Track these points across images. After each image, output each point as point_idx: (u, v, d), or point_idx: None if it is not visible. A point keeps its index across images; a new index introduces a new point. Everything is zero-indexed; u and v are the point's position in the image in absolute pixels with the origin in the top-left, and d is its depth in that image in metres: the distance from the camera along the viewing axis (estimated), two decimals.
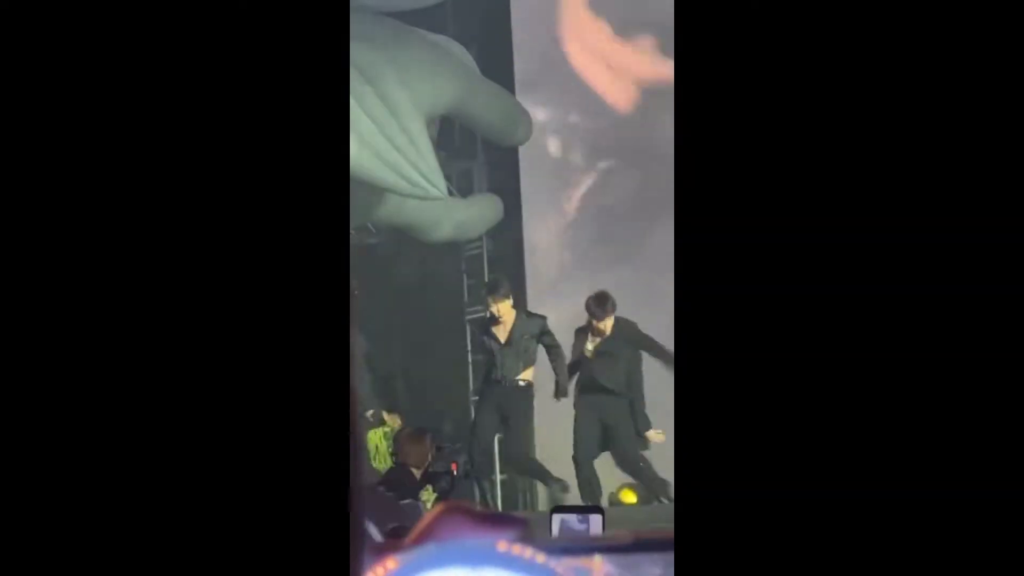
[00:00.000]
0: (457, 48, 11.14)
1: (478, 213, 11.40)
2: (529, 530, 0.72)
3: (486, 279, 11.49)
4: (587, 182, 12.37)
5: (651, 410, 9.59)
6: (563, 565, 0.67)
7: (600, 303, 9.37)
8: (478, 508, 0.71)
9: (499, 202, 11.58)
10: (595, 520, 2.87)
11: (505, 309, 9.29)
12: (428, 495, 8.13)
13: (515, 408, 9.23)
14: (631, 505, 9.67)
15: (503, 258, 11.99)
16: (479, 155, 12.07)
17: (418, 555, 0.66)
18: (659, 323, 9.22)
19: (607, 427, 9.42)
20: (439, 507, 0.70)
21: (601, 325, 9.34)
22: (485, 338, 9.40)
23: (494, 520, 0.72)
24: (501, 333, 9.32)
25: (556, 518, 2.85)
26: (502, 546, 0.66)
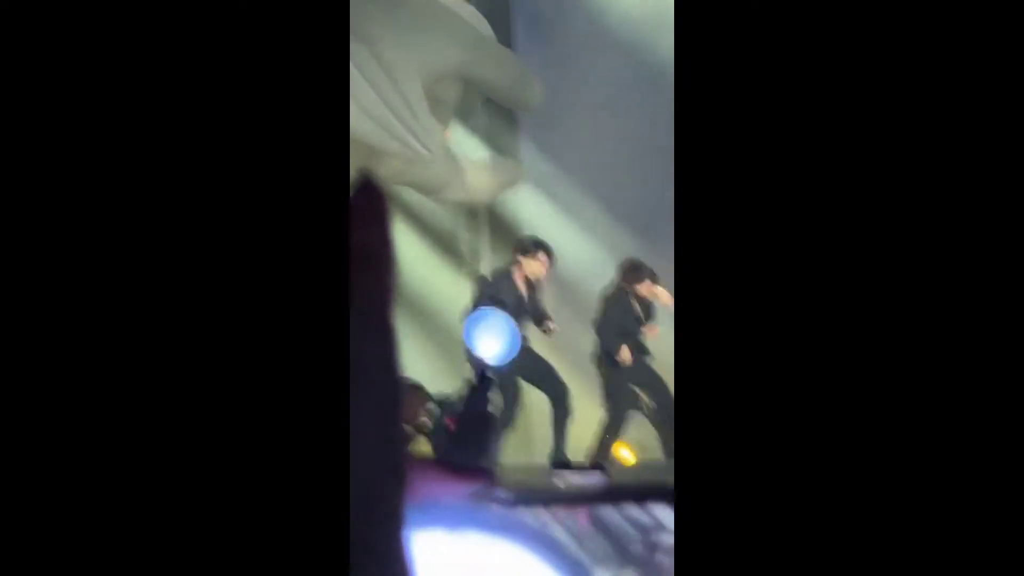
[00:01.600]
0: (467, 9, 11.07)
1: (491, 175, 11.34)
2: (496, 480, 0.78)
3: (489, 239, 11.48)
4: (589, 146, 12.32)
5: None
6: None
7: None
8: (445, 460, 0.77)
9: (516, 165, 11.50)
10: (595, 477, 2.91)
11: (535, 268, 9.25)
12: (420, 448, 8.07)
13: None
14: (629, 465, 9.64)
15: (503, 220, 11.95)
16: (515, 120, 11.91)
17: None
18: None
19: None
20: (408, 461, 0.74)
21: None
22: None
23: (462, 471, 0.78)
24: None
25: (558, 473, 2.89)
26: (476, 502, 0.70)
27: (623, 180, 11.92)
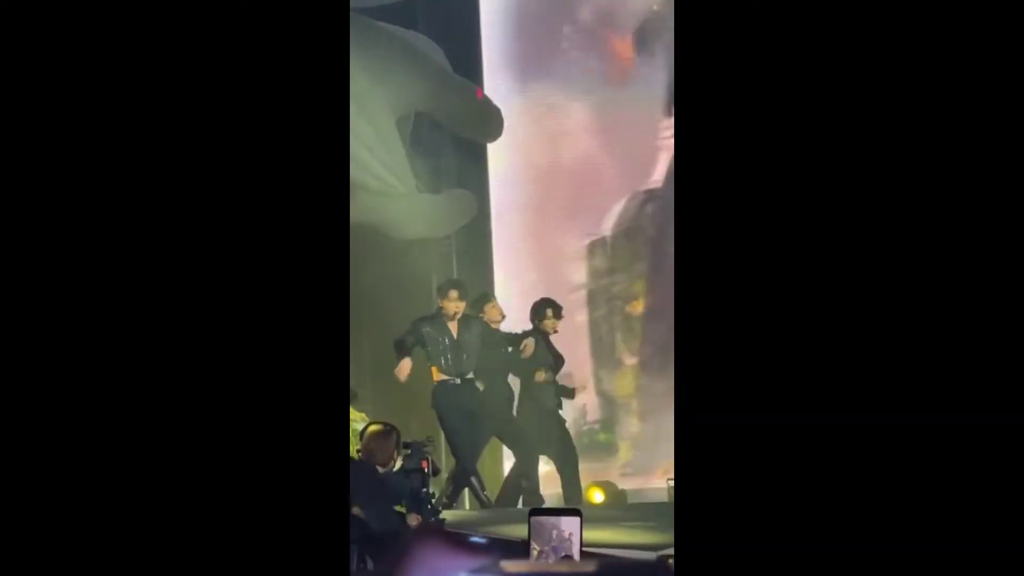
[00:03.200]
0: (428, 44, 11.10)
1: (450, 209, 11.38)
2: (500, 555, 0.71)
3: (455, 276, 11.51)
4: (558, 178, 12.37)
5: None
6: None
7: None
8: (452, 532, 0.70)
9: (472, 198, 11.58)
10: (571, 522, 2.86)
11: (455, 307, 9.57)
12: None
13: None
14: (597, 505, 9.71)
15: (471, 254, 11.99)
16: (447, 152, 12.06)
17: None
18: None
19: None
20: (416, 531, 0.69)
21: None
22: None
23: (469, 546, 0.71)
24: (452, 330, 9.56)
25: (534, 520, 2.84)
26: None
27: (590, 205, 11.99)
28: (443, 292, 9.96)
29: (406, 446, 7.50)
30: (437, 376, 9.89)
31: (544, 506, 9.15)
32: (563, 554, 2.75)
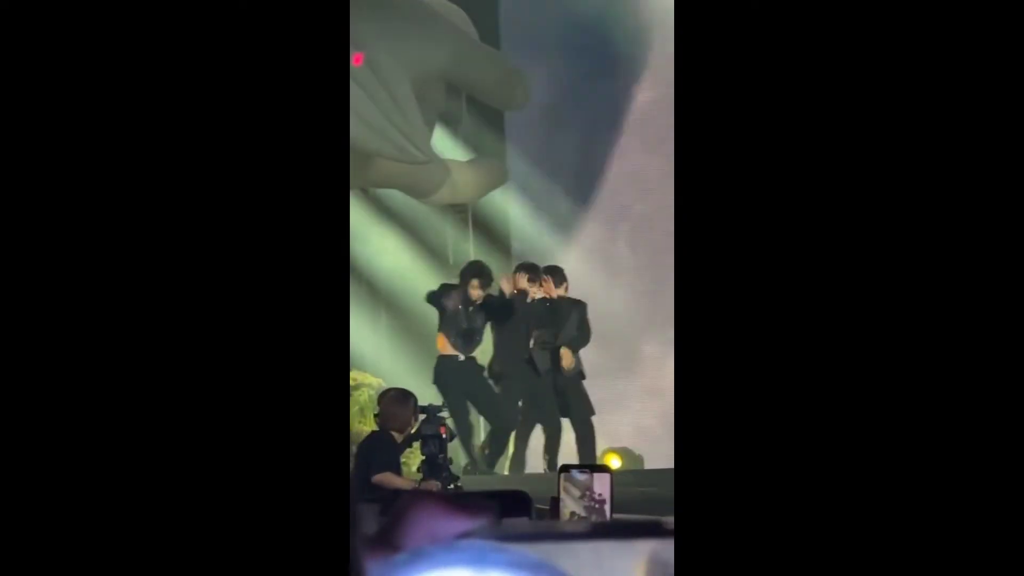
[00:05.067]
0: (453, 11, 11.05)
1: (472, 176, 11.37)
2: (498, 516, 0.76)
3: (471, 243, 11.55)
4: (577, 149, 12.34)
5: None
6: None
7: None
8: (447, 494, 0.75)
9: (498, 166, 11.57)
10: (601, 478, 2.88)
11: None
12: (411, 458, 8.13)
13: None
14: (615, 471, 9.70)
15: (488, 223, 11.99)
16: (467, 119, 12.04)
17: (423, 553, 0.67)
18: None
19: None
20: (410, 494, 0.73)
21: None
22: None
23: (464, 506, 0.76)
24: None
25: (563, 476, 2.86)
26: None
27: (609, 182, 11.94)
28: (465, 278, 9.94)
29: (422, 411, 7.53)
30: (443, 346, 9.90)
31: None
32: (593, 512, 2.77)
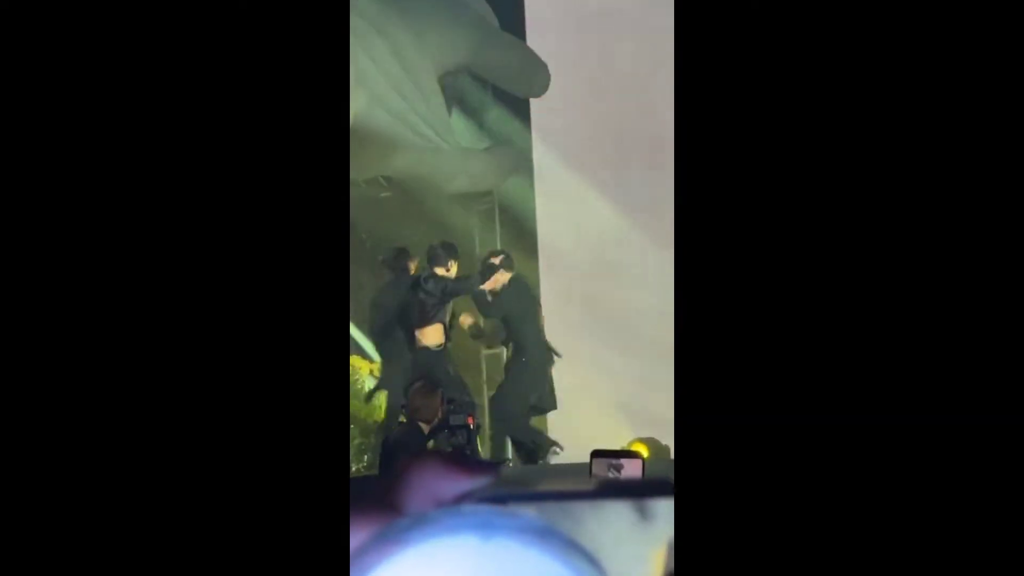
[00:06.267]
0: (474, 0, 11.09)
1: (494, 164, 11.38)
2: (502, 477, 0.73)
3: (498, 232, 11.56)
4: (599, 135, 12.33)
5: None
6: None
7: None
8: (449, 454, 0.71)
9: (516, 152, 11.58)
10: (633, 464, 2.87)
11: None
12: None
13: None
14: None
15: (513, 211, 12.00)
16: (490, 107, 12.07)
17: (426, 518, 0.65)
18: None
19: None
20: (410, 455, 0.71)
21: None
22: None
23: (467, 466, 0.73)
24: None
25: (595, 462, 2.85)
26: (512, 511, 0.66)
27: (629, 166, 11.94)
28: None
29: (450, 402, 7.56)
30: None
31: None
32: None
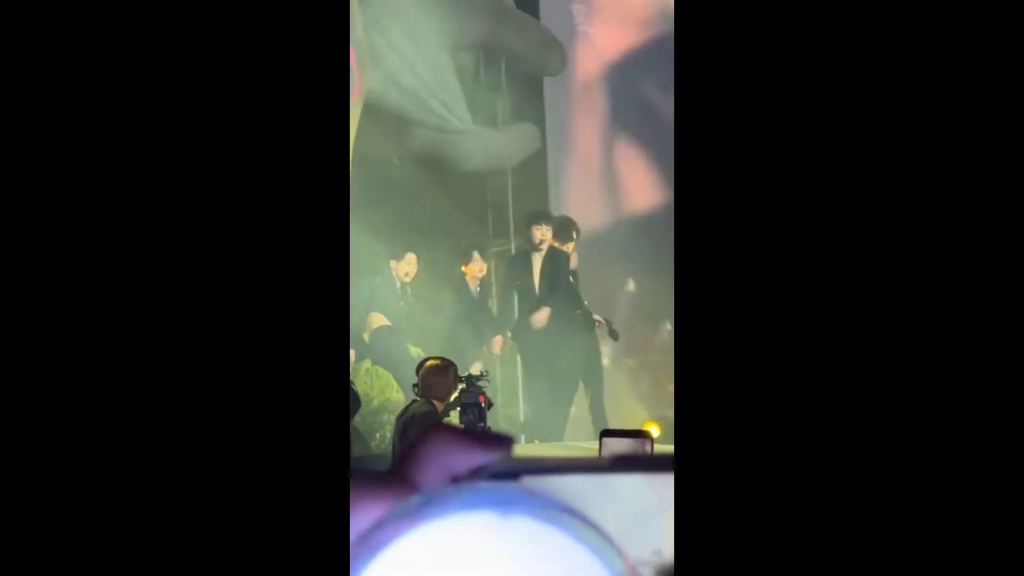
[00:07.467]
0: None
1: (510, 143, 11.37)
2: (515, 449, 0.73)
3: (511, 212, 11.55)
4: (613, 113, 12.31)
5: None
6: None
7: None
8: (463, 429, 0.71)
9: (533, 131, 11.57)
10: (644, 444, 2.89)
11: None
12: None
13: None
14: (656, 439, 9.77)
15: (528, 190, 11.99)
16: (505, 86, 12.06)
17: (442, 495, 0.65)
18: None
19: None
20: (425, 429, 0.71)
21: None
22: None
23: (480, 439, 0.72)
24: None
25: (605, 441, 2.86)
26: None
27: (643, 148, 11.93)
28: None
29: (462, 380, 7.54)
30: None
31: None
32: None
